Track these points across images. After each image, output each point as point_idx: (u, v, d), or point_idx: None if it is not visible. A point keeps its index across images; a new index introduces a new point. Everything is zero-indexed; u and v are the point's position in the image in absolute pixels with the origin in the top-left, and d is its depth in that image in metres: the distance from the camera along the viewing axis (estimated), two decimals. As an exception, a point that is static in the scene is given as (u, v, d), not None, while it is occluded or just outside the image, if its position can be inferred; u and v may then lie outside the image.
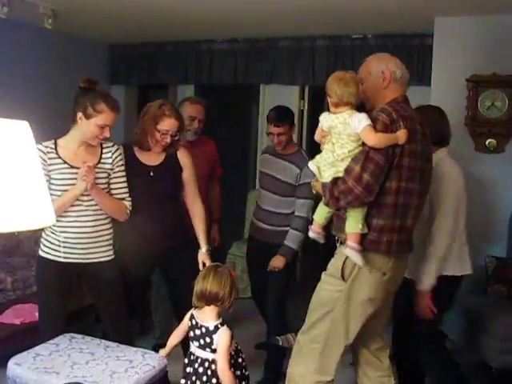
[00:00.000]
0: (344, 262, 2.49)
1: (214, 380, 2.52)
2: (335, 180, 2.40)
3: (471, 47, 4.21)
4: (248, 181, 6.18)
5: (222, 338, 2.50)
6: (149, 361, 2.69)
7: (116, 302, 3.07)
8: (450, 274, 2.96)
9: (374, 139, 2.31)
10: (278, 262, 3.59)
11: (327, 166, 2.42)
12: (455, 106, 4.21)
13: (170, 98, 5.98)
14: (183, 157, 3.26)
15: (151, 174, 3.17)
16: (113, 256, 3.04)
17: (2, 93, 4.48)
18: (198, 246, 3.27)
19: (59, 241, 2.89)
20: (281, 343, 3.43)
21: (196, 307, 2.60)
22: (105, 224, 2.98)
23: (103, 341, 2.88)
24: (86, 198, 2.87)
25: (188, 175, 3.27)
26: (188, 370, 2.60)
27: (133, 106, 6.10)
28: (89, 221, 2.91)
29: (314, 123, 5.88)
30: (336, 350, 2.55)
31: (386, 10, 4.05)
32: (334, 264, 2.56)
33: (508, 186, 4.19)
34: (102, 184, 2.92)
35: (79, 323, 3.78)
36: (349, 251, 2.42)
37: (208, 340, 2.54)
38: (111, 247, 3.04)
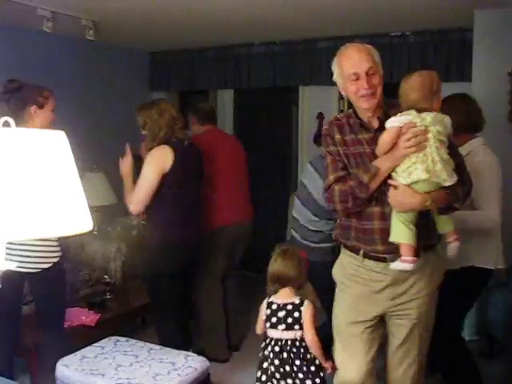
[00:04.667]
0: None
1: (308, 356, 2.70)
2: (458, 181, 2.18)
3: (512, 40, 4.10)
4: (290, 183, 6.17)
5: (307, 311, 2.69)
6: (191, 363, 2.73)
7: None
8: (485, 266, 2.88)
9: None
10: None
11: (442, 163, 2.12)
12: (497, 101, 4.11)
13: (210, 103, 6.04)
14: None
15: None
16: None
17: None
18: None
19: None
20: None
21: (270, 296, 2.77)
22: None
23: (147, 343, 2.95)
24: None
25: None
26: (281, 356, 2.66)
27: (174, 111, 6.17)
28: None
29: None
30: None
31: (423, 5, 3.99)
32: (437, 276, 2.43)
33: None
34: None
35: (126, 326, 3.86)
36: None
37: (297, 315, 2.67)
38: None
